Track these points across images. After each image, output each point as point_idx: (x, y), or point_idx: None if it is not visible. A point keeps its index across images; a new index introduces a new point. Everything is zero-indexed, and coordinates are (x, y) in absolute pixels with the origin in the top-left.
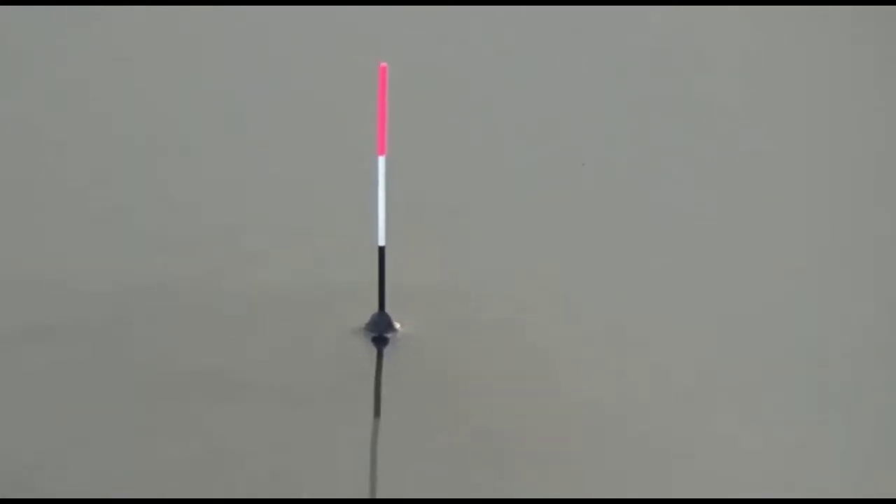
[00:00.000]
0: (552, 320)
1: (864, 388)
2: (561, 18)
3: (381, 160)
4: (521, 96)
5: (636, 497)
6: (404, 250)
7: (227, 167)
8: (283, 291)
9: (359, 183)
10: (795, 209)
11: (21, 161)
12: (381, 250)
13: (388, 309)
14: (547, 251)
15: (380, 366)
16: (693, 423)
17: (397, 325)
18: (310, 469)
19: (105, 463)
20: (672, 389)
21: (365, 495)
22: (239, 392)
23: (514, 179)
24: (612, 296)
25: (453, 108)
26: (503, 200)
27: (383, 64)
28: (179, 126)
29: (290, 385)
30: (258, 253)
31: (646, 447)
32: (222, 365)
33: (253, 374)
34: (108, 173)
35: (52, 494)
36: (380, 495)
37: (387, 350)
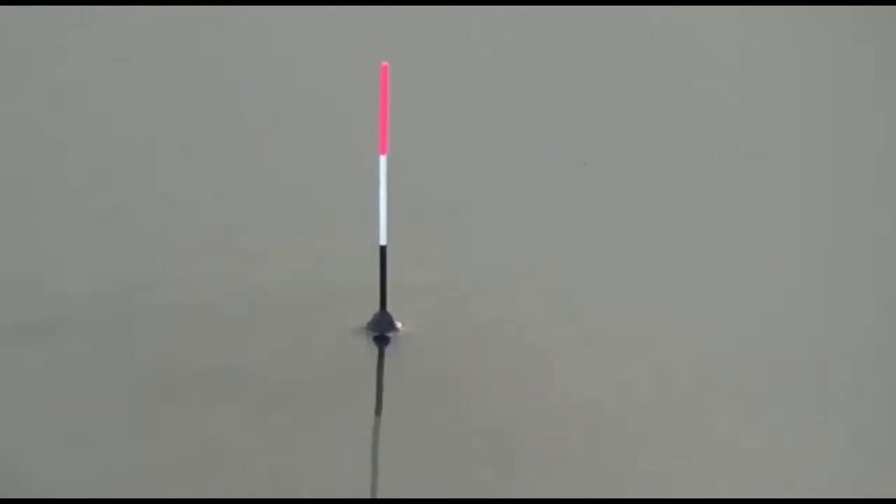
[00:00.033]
0: (552, 320)
1: (864, 388)
2: (561, 18)
3: (383, 159)
4: (521, 96)
5: (636, 497)
6: (406, 249)
7: (227, 167)
8: (283, 291)
9: (360, 182)
10: (795, 209)
11: (21, 161)
12: (383, 249)
13: (389, 308)
14: (547, 251)
15: (381, 365)
16: (693, 423)
17: (398, 325)
18: (310, 469)
19: (104, 463)
20: (672, 389)
21: (365, 495)
22: (239, 392)
23: (515, 179)
24: (612, 296)
25: (454, 107)
26: (504, 200)
27: (384, 63)
28: (179, 126)
29: (291, 384)
30: (258, 253)
31: (646, 447)
32: (222, 364)
33: (253, 373)
34: (108, 173)
35: (53, 494)
36: (380, 495)
37: (388, 349)
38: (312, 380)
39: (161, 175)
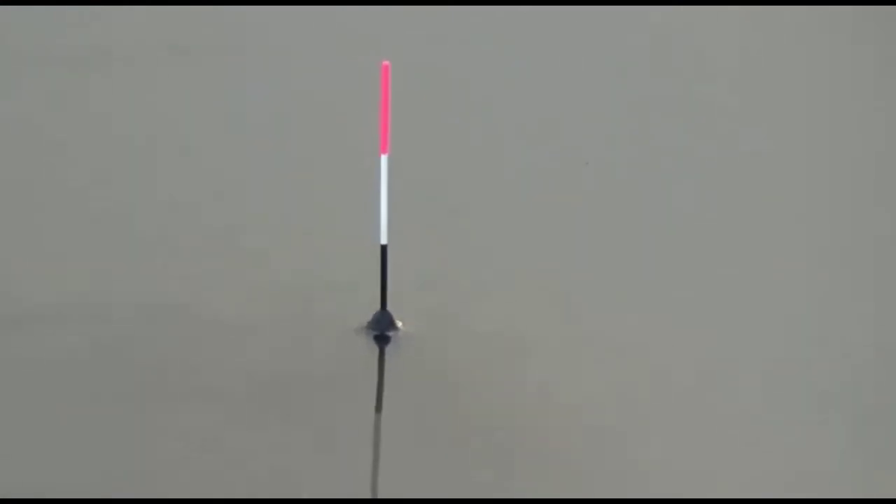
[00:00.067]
0: (552, 319)
1: (864, 388)
2: (561, 18)
3: (384, 159)
4: (521, 96)
5: (636, 497)
6: (406, 249)
7: (227, 167)
8: (283, 290)
9: (361, 181)
10: (795, 209)
11: (21, 161)
12: (384, 248)
13: (389, 307)
14: (547, 250)
15: (381, 364)
16: (693, 423)
17: (399, 324)
18: (310, 469)
19: (104, 462)
20: (672, 389)
21: (365, 495)
22: (239, 391)
23: (515, 178)
24: (612, 296)
25: (455, 107)
26: (504, 199)
27: (386, 62)
28: (179, 126)
29: (292, 384)
30: (258, 252)
31: (646, 447)
32: (222, 364)
33: (254, 372)
34: (108, 173)
35: (53, 494)
36: (380, 494)
37: (388, 348)
38: (312, 379)
39: (161, 175)
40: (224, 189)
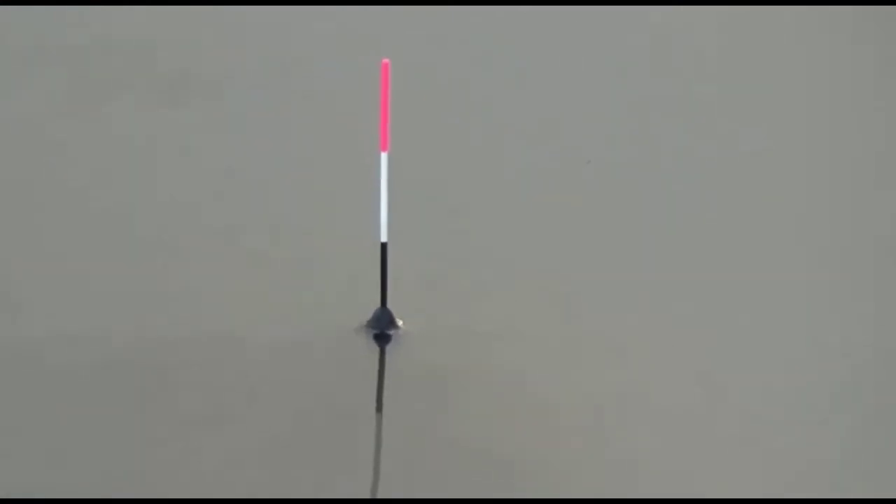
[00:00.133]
0: (553, 318)
1: (864, 388)
2: (561, 18)
3: (384, 156)
4: (521, 95)
5: (636, 497)
6: (407, 246)
7: (227, 167)
8: (284, 288)
9: (361, 179)
10: (795, 209)
11: (21, 161)
12: (384, 246)
13: (390, 305)
14: (547, 249)
15: (382, 362)
16: (693, 423)
17: (399, 322)
18: (310, 468)
19: (103, 462)
20: (672, 389)
21: (365, 495)
22: (239, 390)
23: (515, 177)
24: (612, 295)
25: (455, 105)
26: (504, 197)
27: (385, 60)
28: (179, 126)
29: (292, 382)
30: (259, 250)
31: (645, 447)
32: (222, 363)
33: (254, 372)
34: (108, 173)
35: (53, 494)
36: (381, 494)
37: (389, 347)
38: (313, 377)
39: (161, 175)
40: (224, 189)
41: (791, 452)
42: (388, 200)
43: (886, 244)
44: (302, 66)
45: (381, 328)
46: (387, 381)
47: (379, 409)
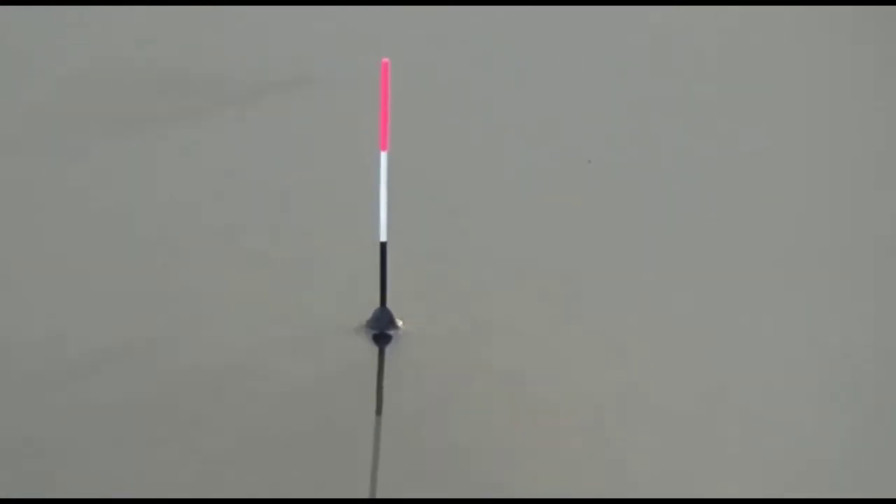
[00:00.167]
0: (552, 318)
1: (864, 388)
2: (561, 18)
3: (384, 156)
4: (521, 95)
5: (636, 497)
6: (406, 246)
7: (227, 167)
8: (284, 288)
9: (361, 178)
10: (795, 209)
11: (21, 161)
12: (383, 246)
13: (389, 305)
14: (547, 249)
15: (381, 362)
16: (693, 423)
17: (399, 322)
18: (310, 468)
19: (103, 462)
20: (672, 389)
21: (365, 495)
22: (239, 390)
23: (515, 177)
24: (612, 295)
25: (455, 105)
26: (504, 197)
27: (385, 59)
28: (179, 125)
29: (291, 382)
30: (259, 250)
31: (645, 446)
32: (222, 363)
33: (253, 371)
34: (108, 174)
35: (53, 494)
36: (380, 494)
37: (388, 347)
38: (313, 377)
39: (161, 175)
40: (224, 189)
41: (791, 452)
42: (388, 200)
43: (886, 244)
44: (302, 66)
45: (381, 328)
46: (386, 381)
47: (378, 409)
